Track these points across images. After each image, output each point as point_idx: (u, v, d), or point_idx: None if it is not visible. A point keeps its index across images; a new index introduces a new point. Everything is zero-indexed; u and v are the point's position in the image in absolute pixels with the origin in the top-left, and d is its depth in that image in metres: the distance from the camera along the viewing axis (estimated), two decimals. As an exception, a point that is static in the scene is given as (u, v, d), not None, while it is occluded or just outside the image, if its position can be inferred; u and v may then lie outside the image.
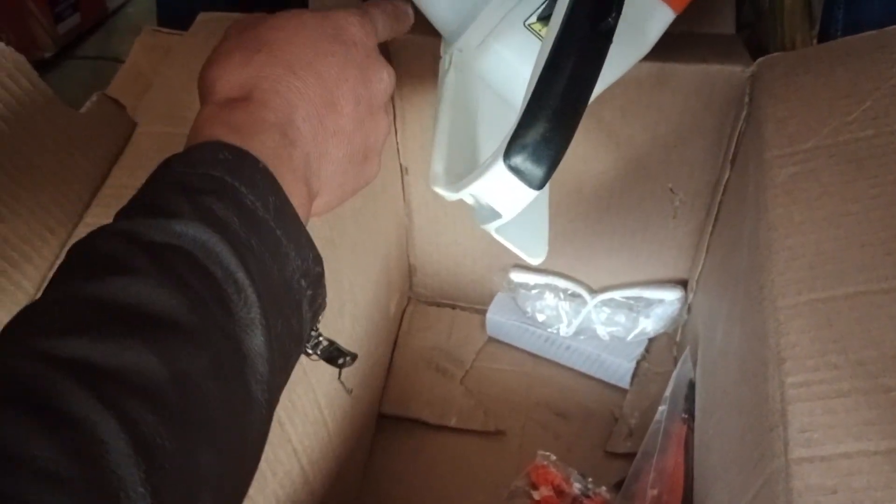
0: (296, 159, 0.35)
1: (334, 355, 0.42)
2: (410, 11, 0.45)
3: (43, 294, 0.29)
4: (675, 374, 0.67)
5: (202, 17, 0.62)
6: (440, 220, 0.78)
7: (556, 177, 0.70)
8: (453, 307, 0.87)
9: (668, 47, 0.58)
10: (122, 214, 0.32)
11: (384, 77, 0.40)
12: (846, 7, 0.67)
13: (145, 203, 0.32)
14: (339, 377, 0.39)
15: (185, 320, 0.28)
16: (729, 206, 0.63)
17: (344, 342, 0.60)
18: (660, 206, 0.71)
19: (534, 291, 0.79)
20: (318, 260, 0.35)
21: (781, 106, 0.54)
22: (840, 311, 0.44)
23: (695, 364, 0.67)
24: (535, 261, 0.49)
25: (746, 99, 0.58)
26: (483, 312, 0.83)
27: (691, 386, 0.65)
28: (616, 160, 0.68)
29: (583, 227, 0.75)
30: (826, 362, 0.42)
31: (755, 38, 0.70)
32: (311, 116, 0.36)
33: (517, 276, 0.80)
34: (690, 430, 0.63)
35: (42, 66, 1.35)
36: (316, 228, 0.51)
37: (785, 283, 0.46)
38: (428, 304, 0.87)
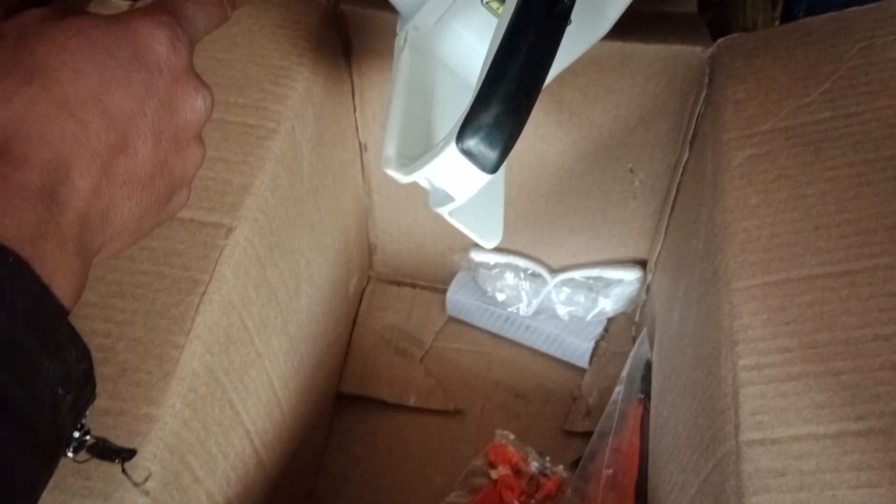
0: (67, 227, 0.28)
1: (106, 454, 0.37)
2: (225, 6, 0.36)
3: None
4: (631, 354, 0.67)
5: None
6: (400, 198, 0.78)
7: (516, 157, 0.70)
8: (413, 286, 0.86)
9: (628, 27, 0.57)
10: None
11: (197, 105, 0.33)
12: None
13: None
14: (123, 471, 0.37)
15: None
16: (687, 188, 0.63)
17: (300, 323, 0.60)
18: (620, 186, 0.70)
19: (494, 271, 0.79)
20: (83, 356, 0.30)
21: (740, 87, 0.54)
22: (793, 295, 0.44)
23: (652, 345, 0.68)
24: (489, 244, 0.48)
25: (706, 80, 0.58)
26: (444, 292, 0.82)
27: (648, 367, 0.66)
28: (577, 140, 0.68)
29: (544, 206, 0.74)
30: (778, 345, 0.42)
31: (719, 19, 0.70)
32: (91, 168, 0.29)
33: (477, 256, 0.79)
34: (647, 410, 0.64)
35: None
36: (272, 208, 0.51)
37: (739, 265, 0.46)
38: (388, 283, 0.87)
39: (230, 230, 0.47)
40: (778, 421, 0.40)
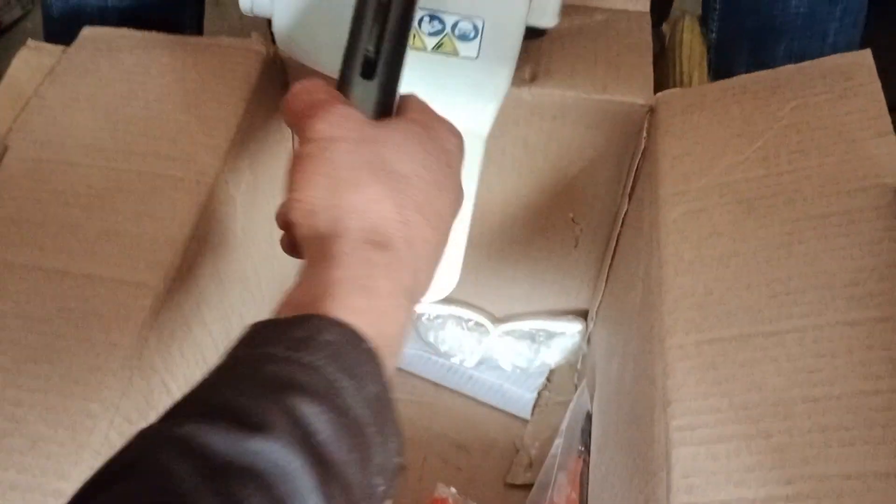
0: (411, 311, 0.34)
1: None
2: None
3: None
4: (571, 406, 0.66)
5: (87, 31, 0.59)
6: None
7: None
8: (356, 334, 0.85)
9: (572, 74, 0.57)
10: (193, 406, 0.28)
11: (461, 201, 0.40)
12: (717, 50, 0.68)
13: (223, 400, 0.28)
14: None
15: None
16: (627, 240, 0.63)
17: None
18: (562, 235, 0.70)
19: (437, 321, 0.78)
20: (399, 450, 0.32)
21: (676, 143, 0.54)
22: (726, 353, 0.44)
23: (592, 396, 0.67)
24: (440, 296, 0.48)
25: (644, 134, 0.58)
26: (387, 340, 0.81)
27: (588, 419, 0.65)
28: (519, 189, 0.68)
29: (486, 255, 0.74)
30: (710, 406, 0.42)
31: (657, 72, 0.71)
32: (432, 266, 0.36)
33: (419, 306, 0.78)
34: (586, 464, 0.63)
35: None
36: (199, 265, 0.49)
37: (673, 322, 0.46)
38: (331, 331, 0.85)
39: (154, 290, 0.45)
40: (709, 484, 0.40)
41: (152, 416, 0.44)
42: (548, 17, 0.51)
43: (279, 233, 0.68)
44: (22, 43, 0.59)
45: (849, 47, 0.66)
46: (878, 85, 0.52)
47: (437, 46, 0.45)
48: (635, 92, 0.59)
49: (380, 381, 0.31)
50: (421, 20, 0.45)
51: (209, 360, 0.52)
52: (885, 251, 0.45)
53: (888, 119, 0.50)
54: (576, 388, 0.78)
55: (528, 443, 0.75)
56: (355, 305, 0.31)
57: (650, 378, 0.46)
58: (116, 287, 0.45)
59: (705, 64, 0.65)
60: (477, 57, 0.46)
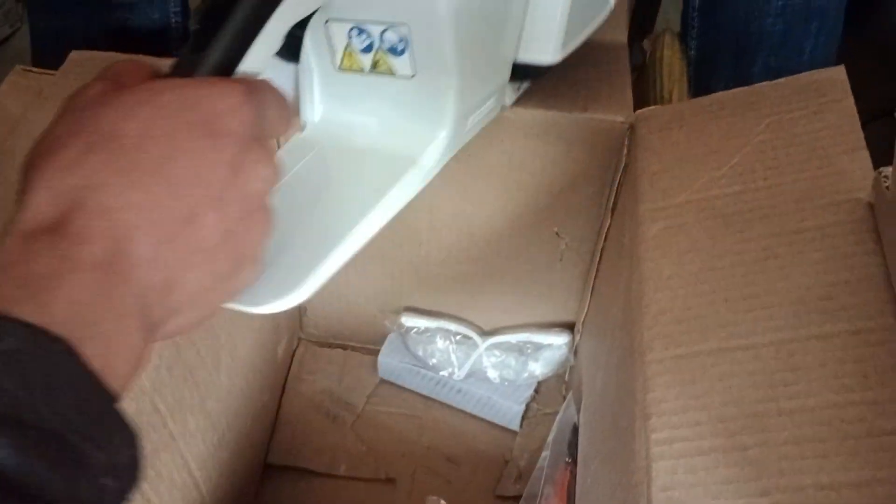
0: (126, 301, 0.28)
1: None
2: (293, 115, 0.37)
3: None
4: (557, 418, 0.67)
5: (75, 55, 0.60)
6: (331, 261, 0.77)
7: (445, 220, 0.70)
8: (345, 348, 0.86)
9: (553, 94, 0.58)
10: None
11: (267, 174, 0.33)
12: (696, 66, 0.69)
13: None
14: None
15: None
16: (610, 254, 0.64)
17: (220, 397, 0.59)
18: (547, 249, 0.71)
19: (425, 335, 0.79)
20: (130, 442, 0.29)
21: (655, 159, 0.55)
22: (704, 368, 0.44)
23: (578, 408, 0.68)
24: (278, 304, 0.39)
25: (624, 150, 0.59)
26: (376, 353, 0.82)
27: (575, 430, 0.66)
28: (504, 204, 0.69)
29: (472, 269, 0.75)
30: (689, 419, 0.43)
31: (638, 88, 0.72)
32: (154, 239, 0.29)
33: (408, 320, 0.79)
34: (573, 476, 0.64)
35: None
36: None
37: (652, 337, 0.47)
38: (319, 346, 0.86)
39: None
40: (688, 497, 0.40)
41: (144, 437, 0.45)
42: (546, 53, 0.49)
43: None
44: (11, 60, 0.60)
45: (825, 62, 0.67)
46: (851, 101, 0.53)
47: (374, 66, 0.42)
48: (615, 110, 0.60)
49: (83, 383, 0.27)
50: (350, 35, 0.41)
51: (198, 378, 0.53)
52: (857, 265, 0.46)
53: (861, 135, 0.51)
54: (564, 400, 0.78)
55: (517, 454, 0.76)
56: (42, 299, 0.26)
57: (630, 392, 0.47)
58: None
59: (685, 80, 0.66)
60: (413, 75, 0.41)
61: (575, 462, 0.65)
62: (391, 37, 0.40)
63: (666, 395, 0.44)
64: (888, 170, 0.45)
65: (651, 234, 0.51)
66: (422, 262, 0.75)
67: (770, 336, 0.44)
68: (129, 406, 0.44)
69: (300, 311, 0.83)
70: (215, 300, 0.33)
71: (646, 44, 0.74)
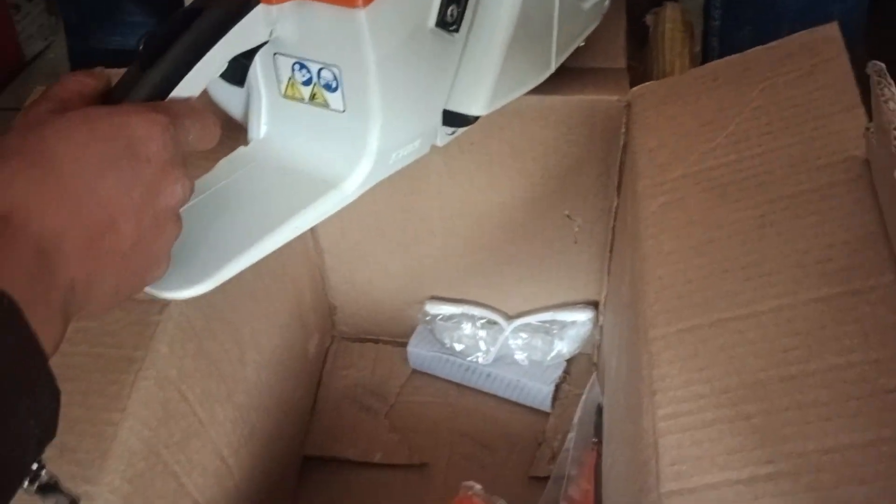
0: (54, 289, 0.33)
1: (48, 491, 0.39)
2: (218, 132, 0.42)
3: None
4: (582, 399, 0.68)
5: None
6: (353, 258, 0.79)
7: (458, 210, 0.71)
8: (376, 342, 0.87)
9: (549, 80, 0.59)
10: None
11: (177, 191, 0.38)
12: (720, 37, 0.68)
13: None
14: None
15: None
16: (620, 233, 0.64)
17: (248, 391, 0.61)
18: (560, 232, 0.72)
19: (451, 322, 0.80)
20: (53, 395, 0.33)
21: (652, 136, 0.55)
22: (706, 340, 0.45)
23: (603, 388, 0.69)
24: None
25: (623, 129, 0.60)
26: (406, 345, 0.83)
27: (600, 411, 0.66)
28: (513, 190, 0.69)
29: (489, 256, 0.75)
30: (693, 393, 0.43)
31: (643, 67, 0.71)
32: (81, 241, 0.34)
33: (433, 308, 0.80)
34: (600, 455, 0.64)
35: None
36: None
37: (655, 313, 0.47)
38: (351, 341, 0.88)
39: (164, 306, 0.49)
40: (695, 469, 0.41)
41: (171, 423, 0.47)
42: (474, 106, 0.52)
43: (290, 247, 0.70)
44: (44, 75, 0.61)
45: (855, 26, 0.66)
46: (845, 58, 0.52)
47: (312, 97, 0.47)
48: (611, 89, 0.60)
49: (20, 334, 0.30)
50: (294, 69, 0.46)
51: (223, 370, 0.55)
52: (856, 224, 0.45)
53: (856, 92, 0.51)
54: (592, 379, 0.79)
55: (549, 436, 0.77)
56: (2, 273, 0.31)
57: (637, 369, 0.47)
58: (130, 305, 0.49)
59: (686, 53, 0.66)
60: (344, 110, 0.46)
61: (601, 442, 0.65)
62: (326, 75, 0.45)
63: (670, 371, 0.45)
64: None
65: (651, 211, 0.52)
66: (439, 254, 0.76)
67: (769, 303, 0.44)
68: (157, 394, 0.46)
69: (330, 310, 0.85)
70: (125, 293, 0.38)
71: (648, 20, 0.73)
